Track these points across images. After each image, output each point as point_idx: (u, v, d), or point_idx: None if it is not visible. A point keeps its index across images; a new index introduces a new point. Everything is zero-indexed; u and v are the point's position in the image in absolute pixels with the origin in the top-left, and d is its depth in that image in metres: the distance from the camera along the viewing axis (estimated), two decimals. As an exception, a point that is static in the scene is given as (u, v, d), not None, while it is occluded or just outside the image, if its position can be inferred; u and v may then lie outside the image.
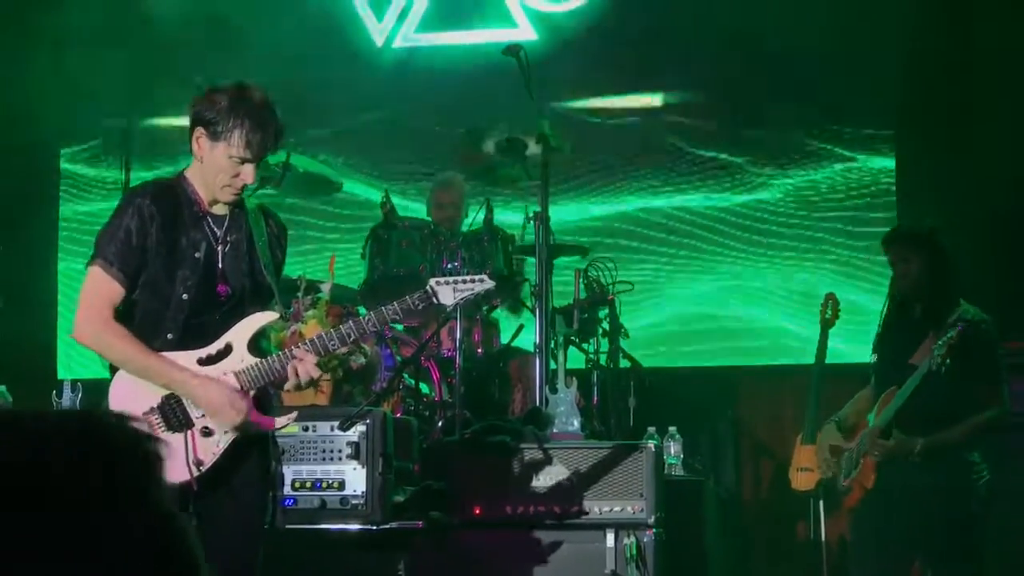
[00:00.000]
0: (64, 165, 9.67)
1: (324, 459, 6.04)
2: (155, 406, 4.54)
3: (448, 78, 9.14)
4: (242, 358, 4.59)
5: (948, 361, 5.81)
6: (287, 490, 6.05)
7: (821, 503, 7.05)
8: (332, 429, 6.03)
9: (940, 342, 5.85)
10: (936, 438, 5.91)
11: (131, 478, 1.28)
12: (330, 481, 6.02)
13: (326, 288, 6.85)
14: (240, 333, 4.61)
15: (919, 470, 5.91)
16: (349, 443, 6.01)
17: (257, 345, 4.66)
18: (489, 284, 4.91)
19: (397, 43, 9.35)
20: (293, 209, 8.65)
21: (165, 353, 4.55)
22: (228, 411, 4.53)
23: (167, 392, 4.54)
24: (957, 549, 5.94)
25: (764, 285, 8.86)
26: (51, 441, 1.26)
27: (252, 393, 4.61)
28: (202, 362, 4.57)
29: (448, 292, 4.83)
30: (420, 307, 4.83)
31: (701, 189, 9.00)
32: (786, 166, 8.88)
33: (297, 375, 4.59)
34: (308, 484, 6.04)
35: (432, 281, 4.87)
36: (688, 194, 9.01)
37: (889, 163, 8.74)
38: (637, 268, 8.69)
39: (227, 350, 4.59)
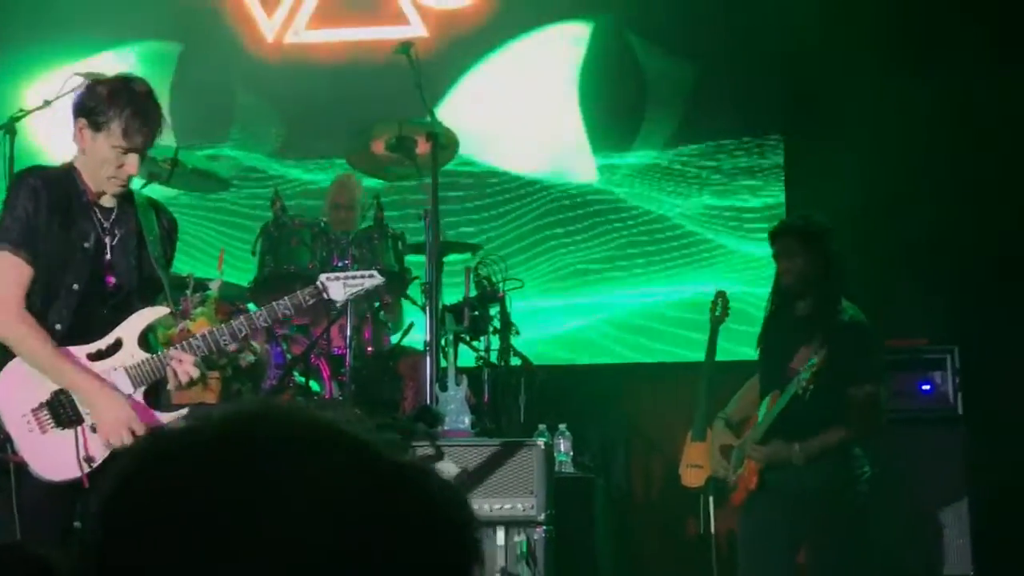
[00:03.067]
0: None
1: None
2: (44, 401, 4.48)
3: (338, 75, 9.09)
4: (132, 354, 4.55)
5: (812, 388, 5.82)
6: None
7: (711, 499, 7.10)
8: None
9: (806, 366, 5.84)
10: (812, 444, 5.91)
11: None
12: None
13: (215, 286, 6.78)
14: (130, 328, 4.57)
15: (801, 468, 5.92)
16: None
17: (146, 341, 4.62)
18: (378, 280, 4.97)
19: (287, 39, 9.28)
20: (182, 204, 8.56)
21: (60, 348, 4.49)
22: (121, 432, 4.46)
23: (57, 387, 4.48)
24: (839, 543, 5.96)
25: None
26: None
27: (143, 389, 4.57)
28: (92, 357, 4.52)
29: (338, 288, 4.85)
30: (311, 302, 4.84)
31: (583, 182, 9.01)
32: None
33: (176, 376, 4.56)
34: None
35: (323, 276, 4.89)
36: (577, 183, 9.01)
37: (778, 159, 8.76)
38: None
39: (117, 345, 4.55)
